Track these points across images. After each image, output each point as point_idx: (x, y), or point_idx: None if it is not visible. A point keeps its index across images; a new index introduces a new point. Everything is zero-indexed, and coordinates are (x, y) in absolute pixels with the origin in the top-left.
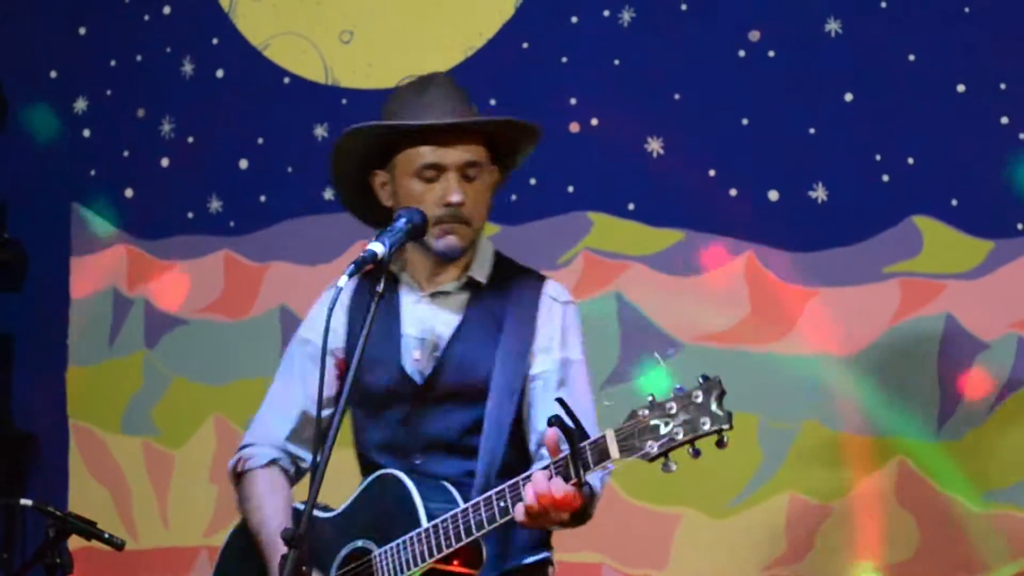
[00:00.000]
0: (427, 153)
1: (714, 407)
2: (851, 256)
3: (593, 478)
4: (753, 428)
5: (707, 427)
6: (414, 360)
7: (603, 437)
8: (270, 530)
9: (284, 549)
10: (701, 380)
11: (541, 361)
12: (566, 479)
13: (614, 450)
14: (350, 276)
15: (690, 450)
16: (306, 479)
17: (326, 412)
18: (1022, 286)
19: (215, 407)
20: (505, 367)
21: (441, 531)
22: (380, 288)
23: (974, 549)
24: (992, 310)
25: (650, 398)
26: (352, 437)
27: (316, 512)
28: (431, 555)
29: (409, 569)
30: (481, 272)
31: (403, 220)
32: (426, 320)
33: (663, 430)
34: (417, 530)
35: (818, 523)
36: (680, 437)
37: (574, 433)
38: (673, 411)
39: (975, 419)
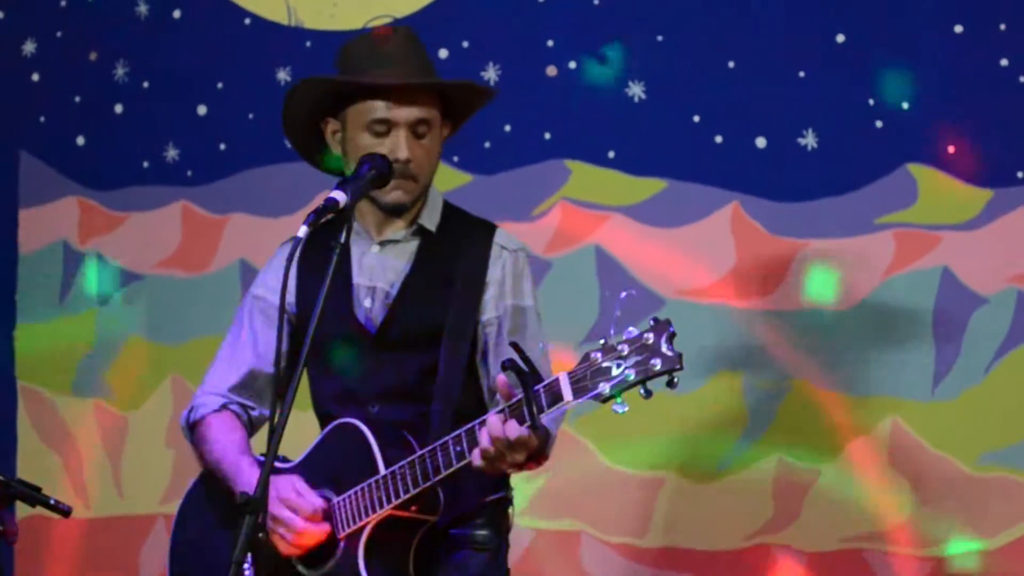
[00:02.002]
0: (379, 108)
1: (664, 348)
2: (842, 206)
3: (548, 420)
4: (739, 388)
5: (658, 367)
6: (366, 309)
7: (556, 379)
8: (229, 461)
9: (249, 475)
10: (652, 322)
11: (492, 307)
12: (520, 422)
13: (567, 392)
14: (310, 226)
15: (641, 391)
16: (261, 432)
17: (275, 368)
18: (1022, 237)
19: (172, 367)
20: (457, 313)
21: (399, 478)
22: (343, 238)
23: (970, 513)
24: (990, 263)
25: (603, 341)
26: (309, 390)
27: (274, 464)
28: (389, 501)
29: (367, 516)
30: (430, 221)
31: (366, 167)
32: (376, 269)
33: (615, 372)
34: (375, 477)
35: (807, 487)
36: (632, 378)
37: (528, 376)
38: (625, 352)
39: (972, 378)
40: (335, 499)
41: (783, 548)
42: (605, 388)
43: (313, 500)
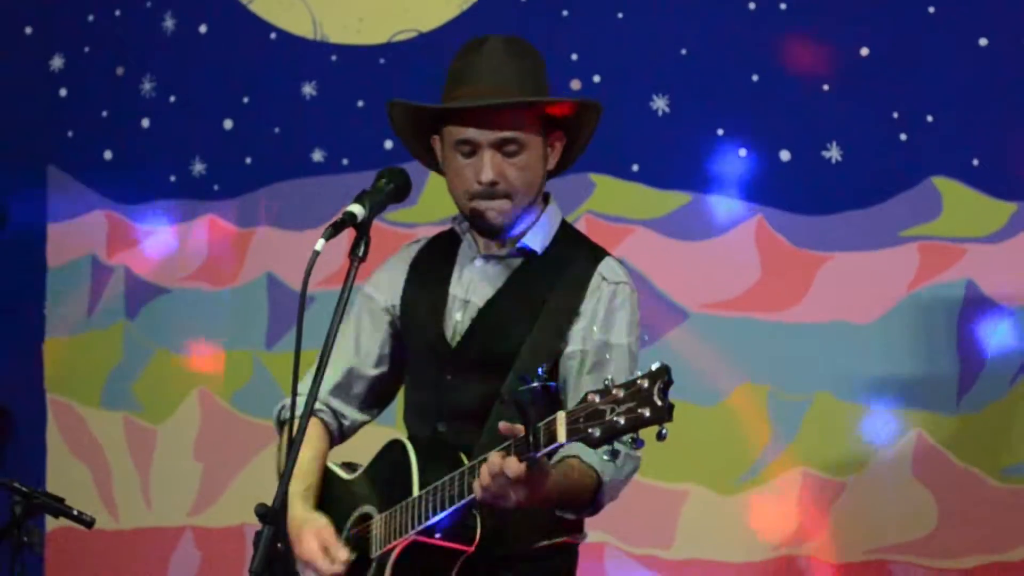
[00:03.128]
0: (462, 129)
1: (656, 397)
2: (867, 219)
3: (606, 467)
4: (763, 400)
5: (646, 416)
6: (455, 322)
7: (554, 419)
8: (291, 496)
9: (295, 495)
10: (651, 368)
11: (579, 339)
12: (520, 459)
13: (561, 433)
14: (327, 239)
15: (630, 440)
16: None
17: (376, 371)
18: None
19: (199, 380)
20: (537, 341)
21: (425, 503)
22: (361, 252)
23: (993, 526)
24: (1015, 276)
25: (606, 381)
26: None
27: (340, 472)
28: (413, 526)
29: (395, 538)
30: (537, 240)
31: (384, 181)
32: (474, 283)
33: (607, 416)
34: (406, 499)
35: (831, 500)
36: (620, 425)
37: (529, 412)
38: (619, 397)
39: (996, 391)
40: (375, 516)
41: (808, 560)
42: (595, 433)
43: (337, 555)
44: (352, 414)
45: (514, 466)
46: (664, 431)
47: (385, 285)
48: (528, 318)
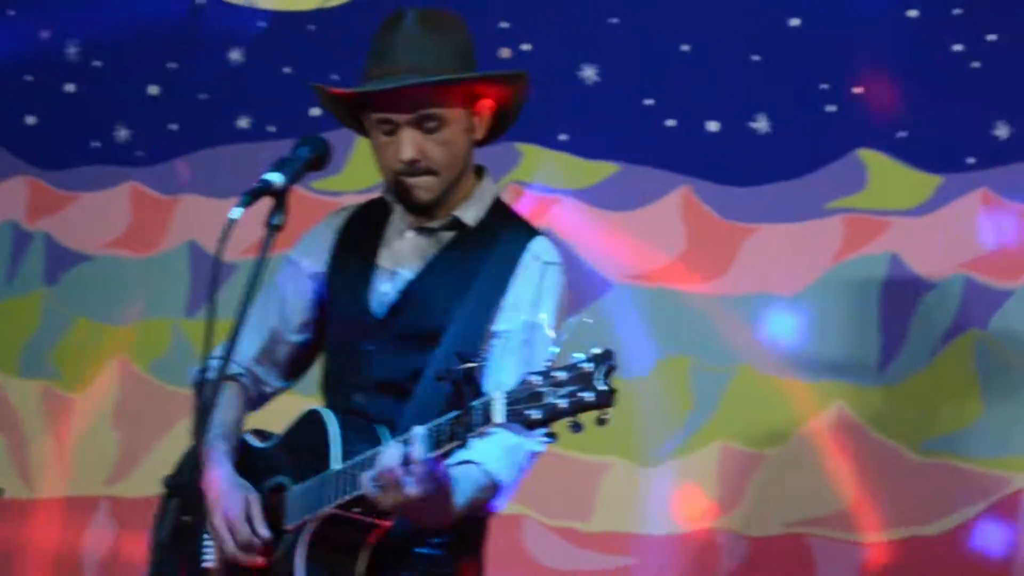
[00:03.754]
0: (378, 109)
1: (599, 382)
2: (793, 191)
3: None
4: (685, 372)
5: (588, 400)
6: (382, 294)
7: (492, 399)
8: (207, 439)
9: (218, 458)
10: (594, 351)
11: (507, 319)
12: (450, 439)
13: (499, 413)
14: (244, 207)
15: (569, 424)
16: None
17: (298, 338)
18: (971, 224)
19: (118, 349)
20: (465, 318)
21: (346, 476)
22: (275, 221)
23: (913, 499)
24: (939, 249)
25: (547, 363)
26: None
27: (254, 440)
28: (331, 500)
29: (312, 511)
30: (469, 214)
31: (304, 149)
32: (403, 254)
33: (547, 399)
34: (325, 472)
35: (752, 472)
36: (561, 408)
37: (465, 391)
38: (561, 379)
39: (918, 363)
40: (290, 487)
41: (727, 533)
42: (534, 415)
43: (259, 530)
44: (273, 381)
45: (416, 453)
46: (606, 416)
47: (311, 251)
48: (457, 292)
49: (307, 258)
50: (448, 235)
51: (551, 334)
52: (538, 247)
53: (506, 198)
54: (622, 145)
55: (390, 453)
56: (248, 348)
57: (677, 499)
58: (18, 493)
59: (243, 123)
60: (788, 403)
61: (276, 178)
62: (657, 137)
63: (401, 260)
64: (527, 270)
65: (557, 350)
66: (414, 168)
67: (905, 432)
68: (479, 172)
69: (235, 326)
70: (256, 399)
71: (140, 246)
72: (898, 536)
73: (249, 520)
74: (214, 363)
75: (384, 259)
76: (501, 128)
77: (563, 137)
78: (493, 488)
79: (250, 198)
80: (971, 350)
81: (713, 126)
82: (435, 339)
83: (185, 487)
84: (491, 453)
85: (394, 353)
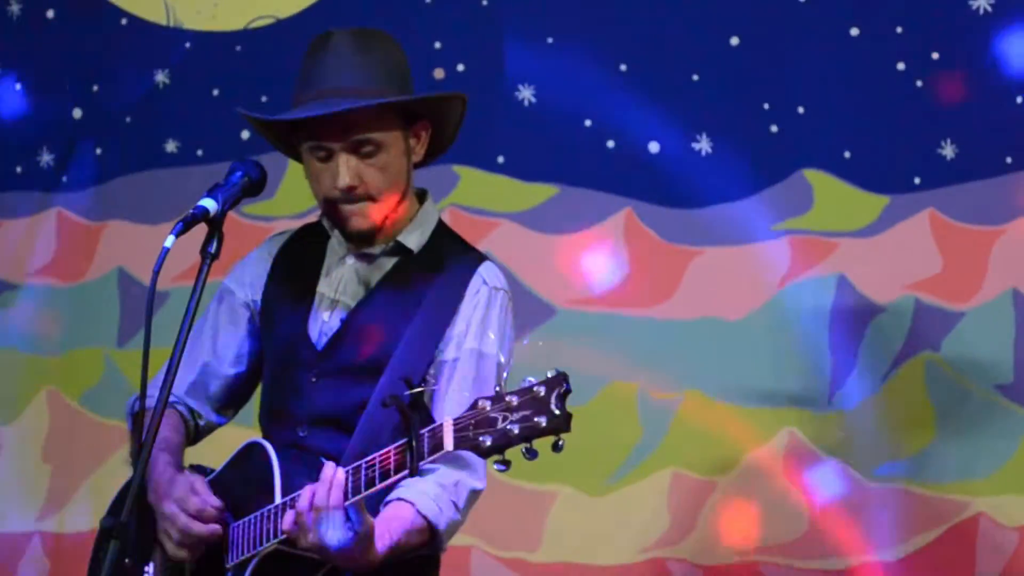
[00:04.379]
0: (311, 136)
1: (554, 406)
2: (737, 213)
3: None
4: (633, 399)
5: (543, 426)
6: (322, 322)
7: (440, 426)
8: (154, 460)
9: (165, 466)
10: (549, 374)
11: (454, 348)
12: (399, 469)
13: (448, 441)
14: (177, 235)
15: (523, 450)
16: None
17: (232, 370)
18: (920, 245)
19: (48, 380)
20: (410, 346)
21: (288, 511)
22: (213, 249)
23: (867, 526)
24: (888, 270)
25: (496, 388)
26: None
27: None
28: (275, 535)
29: (255, 547)
30: (412, 239)
31: (238, 174)
32: (345, 282)
33: (499, 424)
34: (268, 506)
35: (702, 500)
36: (514, 434)
37: (412, 418)
38: (513, 404)
39: (869, 387)
40: (232, 524)
41: (678, 562)
42: (486, 441)
43: (206, 499)
44: (208, 414)
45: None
46: (561, 442)
47: (246, 279)
48: (402, 320)
49: (241, 287)
50: (390, 261)
51: (502, 359)
52: (486, 272)
53: (445, 222)
54: (561, 167)
55: (304, 495)
56: (178, 382)
57: (627, 528)
58: None
59: (171, 147)
60: (739, 429)
61: (211, 205)
62: (597, 158)
63: (342, 288)
64: (475, 297)
65: (505, 375)
66: (352, 195)
67: (858, 458)
68: (420, 195)
69: (172, 357)
70: (193, 432)
71: (67, 274)
72: (854, 563)
73: (197, 492)
74: (149, 394)
75: (324, 287)
76: (440, 148)
77: (501, 159)
78: (427, 531)
79: (184, 226)
80: (923, 373)
81: (654, 147)
82: (379, 370)
83: (124, 528)
84: (426, 493)
85: (337, 385)
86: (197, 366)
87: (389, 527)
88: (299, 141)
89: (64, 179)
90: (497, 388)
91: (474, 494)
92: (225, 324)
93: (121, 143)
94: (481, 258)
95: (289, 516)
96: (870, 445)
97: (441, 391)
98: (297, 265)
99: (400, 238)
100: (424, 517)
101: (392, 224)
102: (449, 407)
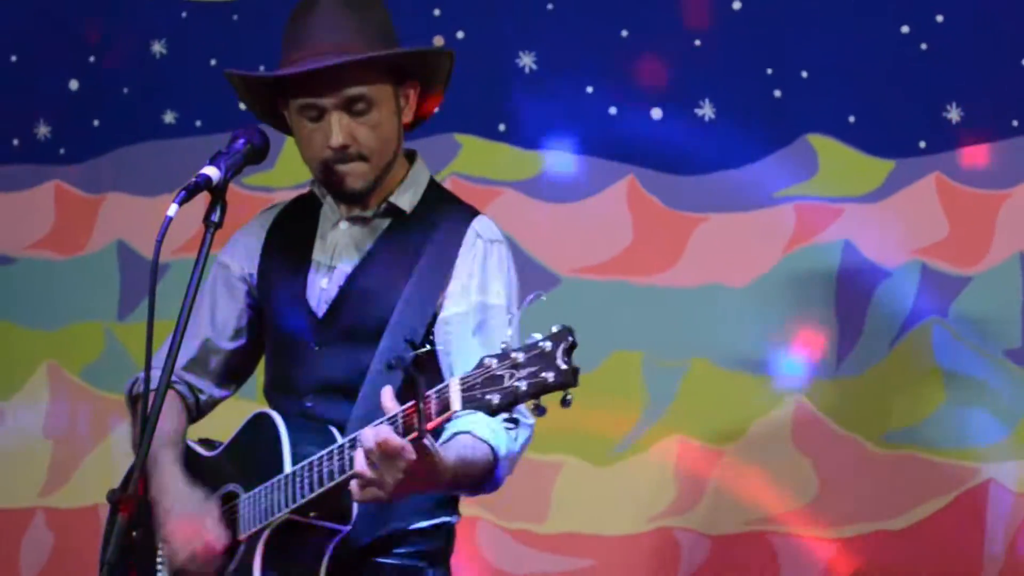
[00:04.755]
0: (303, 93)
1: (560, 360)
2: (741, 179)
3: (498, 439)
4: (638, 367)
5: (550, 381)
6: (320, 290)
7: (447, 386)
8: (153, 450)
9: (167, 464)
10: (553, 329)
11: (456, 303)
12: (405, 432)
13: (456, 400)
14: (180, 204)
15: (532, 407)
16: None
17: (232, 344)
18: (926, 209)
19: (47, 354)
20: (409, 306)
21: (298, 480)
22: (216, 217)
23: (875, 494)
24: (894, 235)
25: (502, 345)
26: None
27: (199, 449)
28: (287, 504)
29: (266, 518)
30: (405, 199)
31: (241, 141)
32: (339, 247)
33: (507, 382)
34: (278, 477)
35: (709, 469)
36: (523, 390)
37: (419, 379)
38: (520, 361)
39: (876, 354)
40: (242, 495)
41: (686, 531)
42: (494, 399)
43: (217, 535)
44: (209, 388)
45: (392, 439)
46: (569, 396)
47: (241, 253)
48: (400, 282)
49: (237, 261)
50: (384, 223)
51: (512, 309)
52: (480, 226)
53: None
54: (563, 134)
55: (367, 434)
56: (179, 357)
57: (634, 498)
58: None
59: (169, 118)
60: (745, 397)
61: (214, 173)
62: (599, 125)
63: (337, 253)
64: (471, 251)
65: (510, 331)
66: (345, 154)
67: (866, 425)
68: (410, 156)
69: (175, 332)
70: (194, 408)
71: (66, 247)
72: (863, 531)
73: (206, 525)
74: (148, 374)
75: (319, 254)
76: (428, 110)
77: (502, 127)
78: (489, 453)
79: (187, 194)
80: (930, 338)
81: (657, 113)
82: (380, 333)
83: (132, 500)
84: (480, 422)
85: (339, 352)
86: (196, 342)
87: (453, 447)
88: (287, 104)
89: (61, 151)
90: (504, 342)
91: (528, 429)
92: (222, 299)
93: (119, 114)
94: (474, 213)
95: (359, 457)
96: (878, 412)
97: (452, 347)
98: (291, 235)
99: (392, 199)
100: (484, 441)
101: (384, 186)
102: (461, 361)
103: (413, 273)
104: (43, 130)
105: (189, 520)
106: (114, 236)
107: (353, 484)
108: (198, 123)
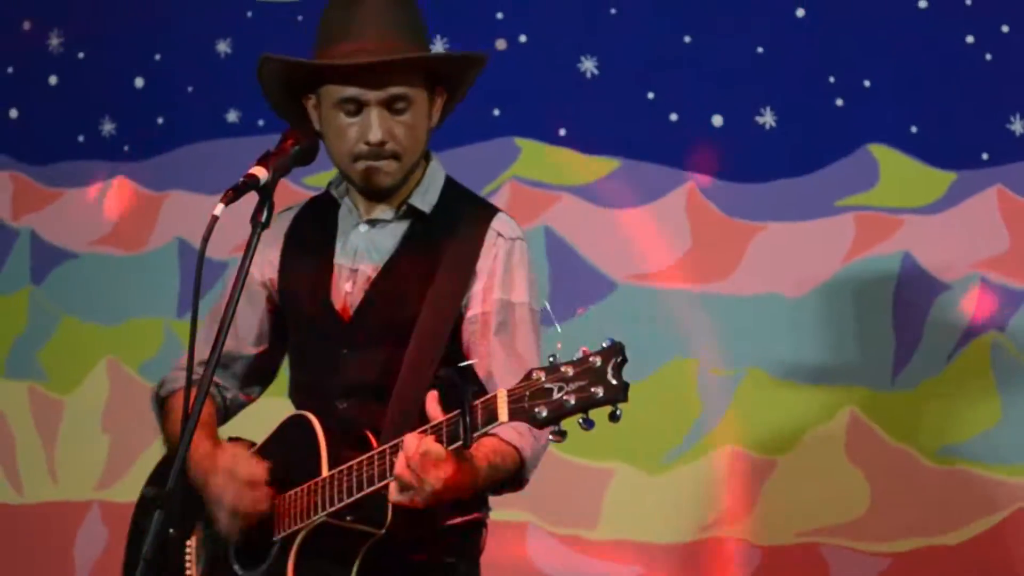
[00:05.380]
0: (346, 87)
1: (611, 376)
2: (801, 188)
3: (524, 441)
4: (692, 375)
5: (599, 396)
6: (345, 293)
7: (494, 397)
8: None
9: (205, 439)
10: (604, 344)
11: (480, 302)
12: (451, 441)
13: (503, 412)
14: (227, 203)
15: (580, 421)
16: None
17: (255, 349)
18: (986, 221)
19: (108, 349)
20: (435, 306)
21: (337, 483)
22: (264, 218)
23: (928, 508)
24: (953, 248)
25: (551, 358)
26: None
27: None
28: (323, 508)
29: (302, 520)
30: (423, 200)
31: (290, 142)
32: (361, 250)
33: (555, 395)
34: (316, 479)
35: (762, 479)
36: (571, 404)
37: (465, 390)
38: (569, 375)
39: (932, 367)
40: (277, 496)
41: (738, 541)
42: (542, 412)
43: (254, 466)
44: (234, 390)
45: (434, 448)
46: (618, 411)
47: (259, 259)
48: (424, 282)
49: (256, 268)
50: (404, 225)
51: (534, 306)
52: (500, 224)
53: (506, 195)
54: (623, 140)
55: (410, 441)
56: (200, 357)
57: (685, 507)
58: (7, 498)
59: (232, 117)
60: (799, 408)
61: (261, 173)
62: (660, 132)
63: (360, 256)
64: (492, 249)
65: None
66: (381, 151)
67: (920, 438)
68: (425, 156)
69: (220, 329)
70: (222, 408)
71: (127, 243)
72: (914, 546)
73: (243, 459)
74: (176, 374)
75: (341, 258)
76: (444, 116)
77: (563, 132)
78: (515, 454)
79: (234, 194)
80: (988, 353)
81: (718, 120)
82: (408, 335)
83: (169, 496)
84: (504, 425)
85: (369, 355)
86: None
87: (483, 452)
88: (317, 95)
89: (126, 148)
90: (552, 356)
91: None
92: (243, 305)
93: (183, 112)
94: (494, 211)
95: (401, 461)
96: (932, 426)
97: (475, 346)
98: (310, 239)
99: (411, 201)
100: (509, 444)
101: (404, 186)
102: (485, 361)
103: (437, 273)
104: (108, 127)
105: (230, 462)
106: (175, 233)
107: (392, 486)
108: (261, 123)
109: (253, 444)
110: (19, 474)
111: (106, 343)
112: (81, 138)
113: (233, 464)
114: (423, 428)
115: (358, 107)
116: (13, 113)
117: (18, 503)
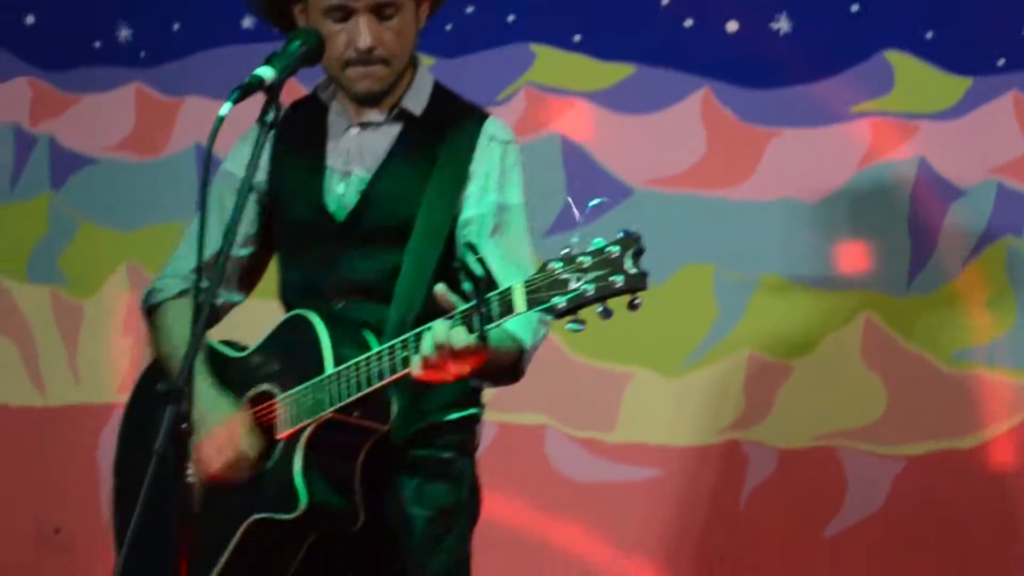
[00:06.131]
0: None
1: (629, 264)
2: (816, 94)
3: (524, 333)
4: (709, 280)
5: (619, 285)
6: (338, 195)
7: (509, 289)
8: (179, 357)
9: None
10: (620, 235)
11: (475, 204)
12: (469, 330)
13: (520, 303)
14: (234, 103)
15: (600, 309)
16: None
17: (244, 251)
18: (1002, 127)
19: (127, 254)
20: (432, 207)
21: (343, 380)
22: (270, 118)
23: (944, 412)
24: (969, 154)
25: (565, 249)
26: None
27: (226, 351)
28: (331, 404)
29: (308, 417)
30: (414, 103)
31: (297, 43)
32: (353, 153)
33: (572, 285)
34: (320, 377)
35: (778, 383)
36: (590, 293)
37: (481, 282)
38: (586, 265)
39: (948, 272)
40: (279, 395)
41: (754, 444)
42: (560, 301)
43: (247, 446)
44: (223, 293)
45: (461, 337)
46: (638, 300)
47: (246, 162)
48: (418, 185)
49: (244, 169)
50: (395, 128)
51: (525, 211)
52: (492, 128)
53: (521, 101)
54: (638, 46)
55: (427, 338)
56: (188, 263)
57: (703, 410)
58: (31, 400)
59: (247, 22)
60: (815, 312)
61: (268, 73)
62: (675, 37)
63: (352, 159)
64: (487, 152)
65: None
66: (369, 57)
67: (936, 343)
68: (412, 61)
69: (225, 240)
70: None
71: (145, 149)
72: (930, 449)
73: (240, 433)
74: (163, 282)
75: (333, 160)
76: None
77: (577, 38)
78: (516, 345)
79: (240, 94)
80: (1004, 258)
81: (732, 26)
82: (404, 235)
83: (181, 393)
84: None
85: (364, 255)
86: (208, 252)
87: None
88: (307, 4)
89: (142, 54)
90: (567, 247)
91: (546, 327)
92: (232, 208)
93: (199, 18)
94: (484, 115)
95: (416, 360)
96: (948, 330)
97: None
98: (299, 141)
99: (403, 104)
100: (513, 335)
101: (393, 91)
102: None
103: (432, 175)
104: (124, 33)
105: (222, 427)
106: (192, 139)
107: (416, 360)
108: (276, 28)
109: (242, 345)
110: (42, 377)
111: (125, 248)
112: (97, 44)
113: (219, 439)
114: (450, 315)
115: (346, 14)
116: (30, 19)
117: (42, 405)
